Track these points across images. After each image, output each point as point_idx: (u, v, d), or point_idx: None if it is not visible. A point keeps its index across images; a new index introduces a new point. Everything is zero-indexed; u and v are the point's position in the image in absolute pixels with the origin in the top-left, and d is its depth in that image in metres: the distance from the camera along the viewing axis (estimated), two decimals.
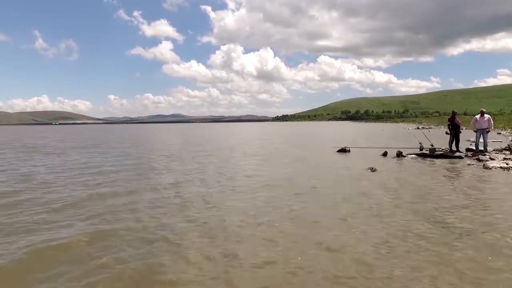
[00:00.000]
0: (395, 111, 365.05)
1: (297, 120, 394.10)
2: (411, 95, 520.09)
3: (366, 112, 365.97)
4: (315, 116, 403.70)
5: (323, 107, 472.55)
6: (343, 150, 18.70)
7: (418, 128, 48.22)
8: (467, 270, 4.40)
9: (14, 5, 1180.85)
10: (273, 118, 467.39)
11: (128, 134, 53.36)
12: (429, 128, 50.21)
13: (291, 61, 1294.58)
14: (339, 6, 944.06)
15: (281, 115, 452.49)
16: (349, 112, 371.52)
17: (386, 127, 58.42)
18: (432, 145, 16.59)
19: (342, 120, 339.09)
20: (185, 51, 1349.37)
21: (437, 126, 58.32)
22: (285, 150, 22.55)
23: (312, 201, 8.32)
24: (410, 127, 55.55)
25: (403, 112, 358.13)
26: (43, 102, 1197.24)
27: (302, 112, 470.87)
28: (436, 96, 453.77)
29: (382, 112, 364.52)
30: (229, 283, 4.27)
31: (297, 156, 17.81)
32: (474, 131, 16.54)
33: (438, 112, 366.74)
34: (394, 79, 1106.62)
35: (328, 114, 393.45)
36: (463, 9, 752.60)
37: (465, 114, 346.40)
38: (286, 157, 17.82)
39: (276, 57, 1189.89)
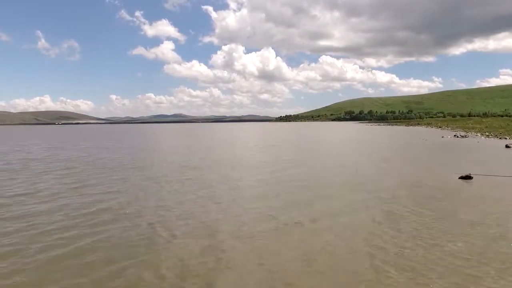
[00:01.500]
0: (399, 111, 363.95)
1: (300, 120, 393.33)
2: (415, 95, 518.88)
3: (370, 112, 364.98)
4: (318, 116, 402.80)
5: (326, 107, 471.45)
6: (467, 177, 16.01)
7: (456, 136, 37.62)
8: None
9: (16, 5, 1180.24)
10: (276, 118, 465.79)
11: (173, 138, 52.65)
12: (464, 136, 38.30)
13: (293, 61, 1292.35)
14: (341, 6, 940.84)
15: (284, 115, 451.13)
16: (353, 112, 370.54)
17: (417, 133, 46.58)
18: None
19: (346, 120, 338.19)
20: (186, 51, 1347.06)
21: (467, 132, 45.63)
22: (382, 168, 18.55)
23: None
24: (447, 134, 41.85)
25: (407, 113, 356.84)
26: (45, 102, 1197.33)
27: (305, 113, 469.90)
28: (439, 97, 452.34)
29: (386, 112, 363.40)
30: None
31: (417, 183, 14.50)
32: None
33: (442, 112, 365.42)
34: (396, 79, 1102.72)
35: (331, 114, 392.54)
36: (466, 9, 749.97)
37: (469, 115, 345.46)
38: (400, 181, 14.78)
39: (278, 57, 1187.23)
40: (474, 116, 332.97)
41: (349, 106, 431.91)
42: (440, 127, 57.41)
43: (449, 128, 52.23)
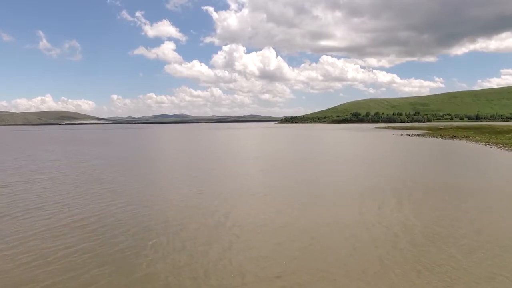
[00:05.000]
0: (405, 113, 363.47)
1: (306, 122, 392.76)
2: (420, 96, 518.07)
3: (377, 114, 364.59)
4: (324, 118, 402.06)
5: (331, 108, 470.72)
6: None
7: None
8: None
9: (18, 5, 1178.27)
10: (281, 119, 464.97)
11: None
12: None
13: (294, 61, 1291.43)
14: (343, 6, 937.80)
15: (289, 117, 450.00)
16: (359, 114, 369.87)
17: (487, 158, 36.41)
18: None
19: (353, 122, 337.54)
20: (187, 52, 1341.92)
21: None
22: None
23: None
24: None
25: (414, 115, 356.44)
26: (47, 102, 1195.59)
27: (310, 114, 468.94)
28: (445, 98, 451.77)
29: (393, 114, 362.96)
30: None
31: None
32: None
33: (449, 114, 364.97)
34: (397, 79, 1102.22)
35: (338, 116, 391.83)
36: (469, 9, 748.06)
37: (477, 117, 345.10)
38: None
39: (279, 57, 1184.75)
40: (482, 118, 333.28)
41: (354, 107, 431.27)
42: (487, 143, 56.18)
43: (500, 145, 51.02)
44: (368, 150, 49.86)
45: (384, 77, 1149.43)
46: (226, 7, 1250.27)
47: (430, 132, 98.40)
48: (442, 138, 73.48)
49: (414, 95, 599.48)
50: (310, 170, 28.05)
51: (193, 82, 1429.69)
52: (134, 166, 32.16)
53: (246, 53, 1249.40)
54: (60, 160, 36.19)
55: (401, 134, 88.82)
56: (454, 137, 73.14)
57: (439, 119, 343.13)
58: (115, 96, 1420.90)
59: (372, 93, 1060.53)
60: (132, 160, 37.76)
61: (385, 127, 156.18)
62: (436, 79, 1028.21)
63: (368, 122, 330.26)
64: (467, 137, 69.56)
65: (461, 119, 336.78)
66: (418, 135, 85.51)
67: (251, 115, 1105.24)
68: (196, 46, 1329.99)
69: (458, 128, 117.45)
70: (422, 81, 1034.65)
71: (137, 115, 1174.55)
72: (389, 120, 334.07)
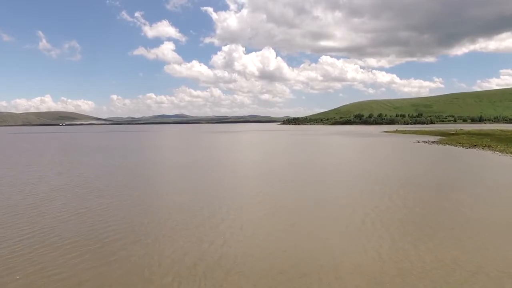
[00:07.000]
0: (408, 115, 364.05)
1: (309, 124, 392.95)
2: (423, 97, 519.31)
3: (380, 116, 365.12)
4: (327, 119, 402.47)
5: (334, 110, 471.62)
6: None
7: None
8: None
9: (18, 6, 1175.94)
10: (283, 121, 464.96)
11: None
12: None
13: (294, 61, 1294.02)
14: (343, 6, 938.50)
15: (292, 118, 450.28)
16: (362, 116, 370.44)
17: None
18: None
19: (356, 124, 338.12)
20: (187, 52, 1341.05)
21: None
22: None
23: None
24: None
25: (417, 116, 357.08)
26: (47, 102, 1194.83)
27: (313, 115, 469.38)
28: (447, 99, 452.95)
29: (396, 116, 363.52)
30: None
31: None
32: None
33: (452, 116, 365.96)
34: (397, 79, 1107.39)
35: (341, 117, 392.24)
36: (469, 9, 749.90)
37: (480, 119, 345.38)
38: None
39: (278, 57, 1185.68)
40: (485, 120, 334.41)
41: (357, 109, 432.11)
42: None
43: None
44: (404, 167, 49.21)
45: (383, 77, 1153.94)
46: (225, 7, 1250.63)
47: (444, 138, 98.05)
48: (463, 147, 73.40)
49: (414, 95, 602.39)
50: (358, 206, 27.82)
51: (193, 82, 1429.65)
52: (189, 185, 32.15)
53: (245, 54, 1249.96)
54: (104, 176, 36.07)
55: (418, 142, 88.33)
56: (475, 146, 73.10)
57: (443, 121, 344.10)
58: (114, 96, 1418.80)
59: (371, 93, 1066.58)
60: (174, 173, 37.78)
61: (394, 131, 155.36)
62: (436, 79, 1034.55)
63: (371, 124, 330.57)
64: (489, 147, 69.63)
65: (464, 120, 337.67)
66: (435, 142, 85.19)
67: (251, 115, 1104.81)
68: (196, 47, 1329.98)
69: (470, 133, 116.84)
70: (421, 81, 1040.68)
71: (137, 115, 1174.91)
72: (392, 121, 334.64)
